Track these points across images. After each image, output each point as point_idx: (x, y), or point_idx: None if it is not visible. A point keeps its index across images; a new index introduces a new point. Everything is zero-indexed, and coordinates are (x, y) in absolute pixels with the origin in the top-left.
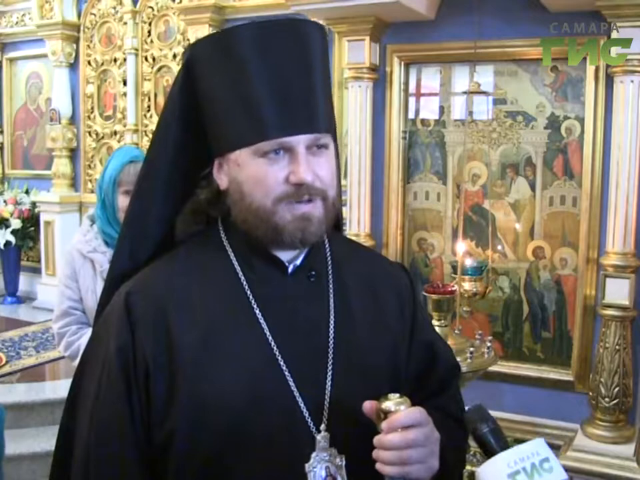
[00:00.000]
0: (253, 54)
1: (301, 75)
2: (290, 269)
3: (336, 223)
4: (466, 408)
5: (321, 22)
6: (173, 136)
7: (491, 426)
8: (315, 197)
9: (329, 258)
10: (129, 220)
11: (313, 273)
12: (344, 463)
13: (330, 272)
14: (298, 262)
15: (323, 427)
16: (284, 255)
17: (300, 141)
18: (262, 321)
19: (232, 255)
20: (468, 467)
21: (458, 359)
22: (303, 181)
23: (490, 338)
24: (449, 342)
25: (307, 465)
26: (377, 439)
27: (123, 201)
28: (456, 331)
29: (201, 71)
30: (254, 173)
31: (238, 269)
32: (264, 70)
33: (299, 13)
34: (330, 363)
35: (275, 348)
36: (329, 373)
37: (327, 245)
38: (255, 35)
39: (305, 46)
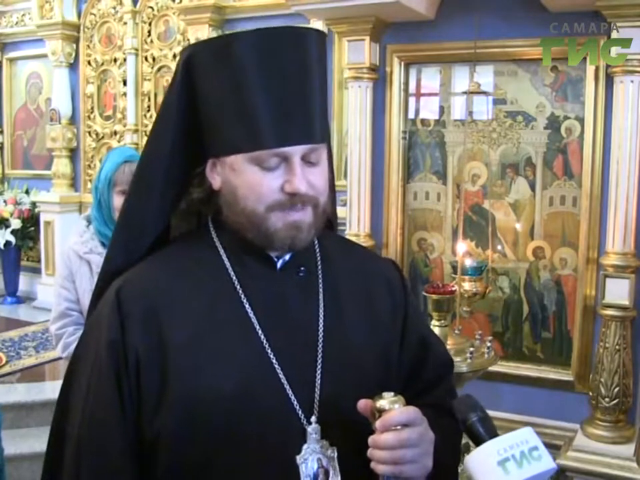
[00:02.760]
0: (252, 62)
1: (299, 84)
2: (279, 265)
3: (327, 224)
4: None
5: (320, 22)
6: (172, 133)
7: (480, 415)
8: (307, 204)
9: (317, 253)
10: (125, 217)
11: (302, 268)
12: (336, 454)
13: (319, 267)
14: (287, 257)
15: (313, 419)
16: (273, 251)
17: (296, 151)
18: (252, 316)
19: (222, 252)
20: None
21: (458, 359)
22: (298, 191)
23: (490, 338)
24: (449, 342)
25: (298, 457)
26: (371, 439)
27: (118, 201)
28: (456, 331)
29: (199, 73)
30: (248, 180)
31: (228, 265)
32: (262, 78)
33: (299, 13)
34: (319, 356)
35: (265, 343)
36: (319, 367)
37: (315, 242)
38: (255, 43)
39: (304, 55)
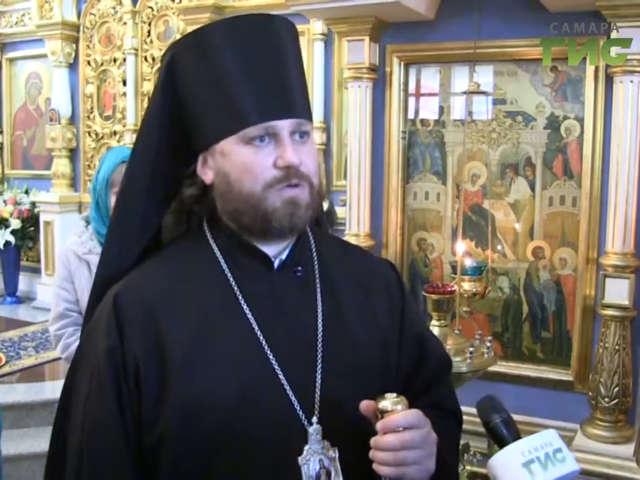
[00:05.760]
0: (227, 49)
1: (275, 66)
2: (276, 264)
3: (317, 220)
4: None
5: (320, 22)
6: (156, 137)
7: (503, 416)
8: (302, 181)
9: (314, 253)
10: (115, 222)
11: (299, 267)
12: (337, 455)
13: (316, 267)
14: (283, 256)
15: (314, 419)
16: (270, 250)
17: (284, 126)
18: (250, 317)
19: (218, 253)
20: (468, 467)
21: (458, 359)
22: (291, 163)
23: (490, 338)
24: (449, 342)
25: (299, 458)
26: (373, 440)
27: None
28: (456, 331)
29: (180, 70)
30: (240, 161)
31: (225, 266)
32: (239, 64)
33: (298, 13)
34: (319, 356)
35: (264, 343)
36: (319, 367)
37: (311, 241)
38: (228, 32)
39: (276, 40)
